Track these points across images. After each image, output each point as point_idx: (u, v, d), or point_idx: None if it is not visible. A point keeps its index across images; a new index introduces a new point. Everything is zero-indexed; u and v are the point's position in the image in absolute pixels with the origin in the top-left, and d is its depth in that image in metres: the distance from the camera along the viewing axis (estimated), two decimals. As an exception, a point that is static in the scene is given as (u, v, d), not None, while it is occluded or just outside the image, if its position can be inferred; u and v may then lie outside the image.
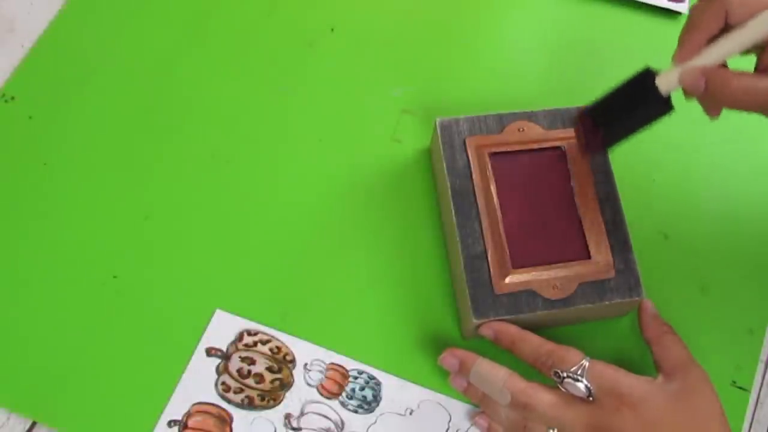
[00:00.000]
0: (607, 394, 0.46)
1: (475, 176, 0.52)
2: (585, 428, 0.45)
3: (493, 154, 0.52)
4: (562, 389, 0.47)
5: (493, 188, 0.52)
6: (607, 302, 0.50)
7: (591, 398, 0.46)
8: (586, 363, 0.46)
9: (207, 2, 0.64)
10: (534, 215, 0.52)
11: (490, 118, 0.54)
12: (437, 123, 0.53)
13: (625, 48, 0.64)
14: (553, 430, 0.46)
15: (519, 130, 0.53)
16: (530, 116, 0.54)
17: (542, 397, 0.47)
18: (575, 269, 0.50)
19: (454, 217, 0.51)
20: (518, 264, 0.50)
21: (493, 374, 0.48)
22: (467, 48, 0.64)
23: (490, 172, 0.52)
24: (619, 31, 0.65)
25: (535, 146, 0.53)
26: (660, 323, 0.51)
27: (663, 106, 0.46)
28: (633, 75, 0.47)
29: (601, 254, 0.51)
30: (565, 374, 0.46)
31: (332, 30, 0.63)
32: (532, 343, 0.49)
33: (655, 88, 0.45)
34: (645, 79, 0.46)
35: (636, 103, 0.47)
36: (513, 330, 0.49)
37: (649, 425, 0.45)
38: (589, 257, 0.51)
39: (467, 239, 0.51)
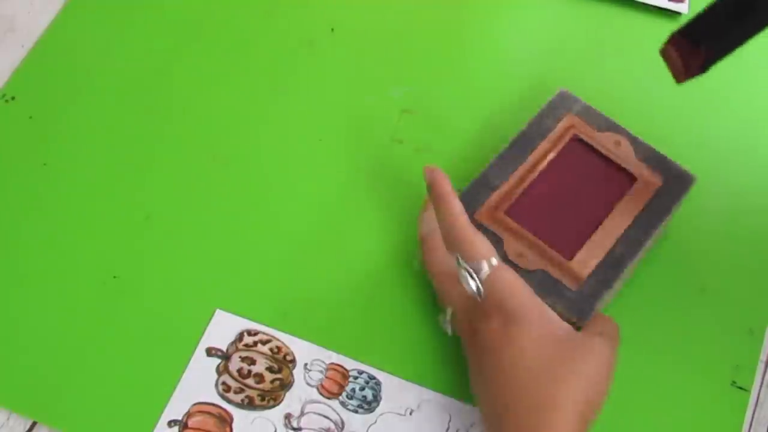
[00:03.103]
0: (494, 303, 0.44)
1: (550, 137, 0.54)
2: (460, 315, 0.46)
3: (576, 139, 0.54)
4: (457, 274, 0.45)
5: (552, 155, 0.53)
6: (551, 304, 0.48)
7: (479, 299, 0.44)
8: (493, 261, 0.44)
9: (207, 2, 0.64)
10: (561, 197, 0.52)
11: (602, 118, 0.55)
12: (561, 90, 0.56)
13: (625, 48, 0.64)
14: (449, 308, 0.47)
15: (615, 142, 0.54)
16: (634, 140, 0.54)
17: (439, 264, 0.47)
18: (551, 257, 0.50)
19: (502, 150, 0.53)
20: (513, 214, 0.51)
21: (427, 220, 0.49)
22: (467, 48, 0.64)
23: (561, 146, 0.53)
24: (619, 31, 0.65)
25: (613, 158, 0.53)
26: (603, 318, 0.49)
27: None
28: None
29: (581, 266, 0.50)
30: (465, 265, 0.44)
31: (332, 30, 0.63)
32: (452, 214, 0.46)
33: None
34: None
35: (740, 12, 0.45)
36: (446, 188, 0.47)
37: (510, 342, 0.43)
38: (570, 259, 0.50)
39: (494, 171, 0.53)
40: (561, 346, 0.43)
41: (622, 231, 0.51)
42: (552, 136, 0.54)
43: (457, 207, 0.47)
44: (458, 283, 0.45)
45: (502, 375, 0.43)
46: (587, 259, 0.51)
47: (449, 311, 0.48)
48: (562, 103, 0.55)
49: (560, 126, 0.55)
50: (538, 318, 0.44)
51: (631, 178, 0.53)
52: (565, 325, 0.45)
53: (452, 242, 0.46)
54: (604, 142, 0.54)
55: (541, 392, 0.41)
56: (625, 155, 0.54)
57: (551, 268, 0.50)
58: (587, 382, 0.42)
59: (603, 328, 0.46)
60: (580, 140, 0.54)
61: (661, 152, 0.54)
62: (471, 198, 0.52)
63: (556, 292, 0.50)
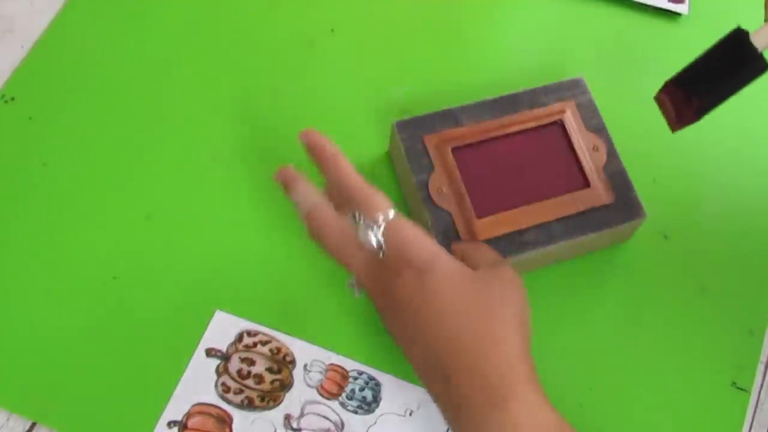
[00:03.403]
0: (396, 255, 0.43)
1: (537, 111, 0.54)
2: (367, 278, 0.44)
3: (559, 124, 0.54)
4: (355, 233, 0.44)
5: (527, 125, 0.53)
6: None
7: (381, 254, 0.43)
8: (390, 214, 0.43)
9: (207, 2, 0.64)
10: (510, 165, 0.53)
11: (597, 119, 0.55)
12: (578, 77, 0.56)
13: (625, 48, 0.64)
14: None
15: (594, 146, 0.54)
16: (612, 153, 0.54)
17: (332, 233, 0.44)
18: (464, 207, 0.51)
19: (487, 98, 0.54)
20: (457, 154, 0.52)
21: (302, 198, 0.46)
22: (467, 48, 0.64)
23: (541, 124, 0.54)
24: (619, 31, 0.65)
25: (580, 157, 0.53)
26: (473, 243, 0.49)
27: (759, 63, 0.46)
28: (722, 38, 0.46)
29: (483, 228, 0.50)
30: (362, 220, 0.43)
31: (332, 30, 0.63)
32: (344, 172, 0.45)
33: (750, 46, 0.45)
34: (738, 38, 0.46)
35: (730, 64, 0.46)
36: (332, 149, 0.46)
37: (429, 293, 0.42)
38: (479, 217, 0.50)
39: (467, 110, 0.54)
40: (475, 282, 0.43)
41: (544, 221, 0.51)
42: (540, 111, 0.54)
43: (347, 164, 0.46)
44: (357, 244, 0.44)
45: (431, 326, 0.42)
46: (494, 225, 0.51)
47: (354, 276, 0.46)
48: (570, 88, 0.55)
49: (553, 106, 0.55)
50: (446, 261, 0.43)
51: (585, 184, 0.53)
52: (459, 262, 0.44)
53: (347, 200, 0.44)
54: (584, 140, 0.54)
55: (478, 331, 0.41)
56: (595, 162, 0.53)
57: (457, 217, 0.51)
58: (513, 306, 0.43)
59: (487, 257, 0.47)
60: (563, 127, 0.54)
61: (630, 179, 0.53)
62: (432, 122, 0.53)
63: (447, 236, 0.50)
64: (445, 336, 0.41)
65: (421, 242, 0.44)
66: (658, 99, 0.50)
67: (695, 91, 0.48)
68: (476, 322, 0.41)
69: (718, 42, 0.47)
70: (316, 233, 0.45)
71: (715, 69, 0.47)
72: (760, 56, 0.46)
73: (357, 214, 0.43)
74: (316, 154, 0.47)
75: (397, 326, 0.44)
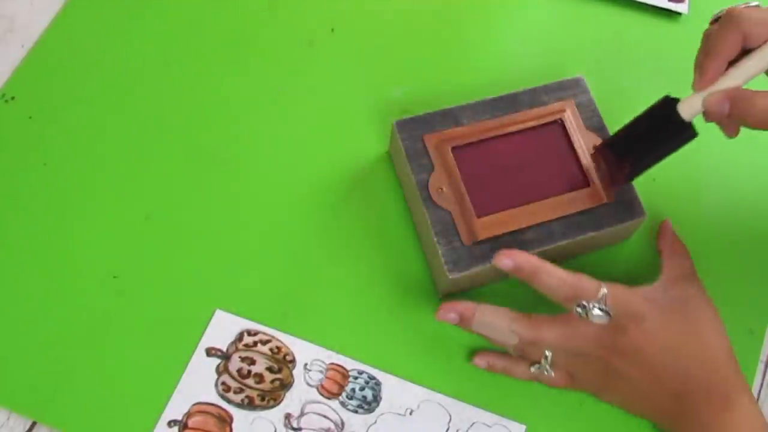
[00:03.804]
0: (621, 316, 0.47)
1: (538, 110, 0.54)
2: (594, 350, 0.48)
3: (559, 123, 0.54)
4: (584, 318, 0.47)
5: (528, 125, 0.54)
6: (435, 243, 0.50)
7: (608, 320, 0.47)
8: (605, 290, 0.47)
9: (207, 2, 0.64)
10: (510, 164, 0.53)
11: (597, 119, 0.55)
12: (578, 77, 0.56)
13: (625, 48, 0.64)
14: (549, 351, 0.48)
15: (594, 146, 0.54)
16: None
17: (549, 332, 0.48)
18: (464, 205, 0.51)
19: (488, 98, 0.55)
20: (457, 153, 0.52)
21: (499, 319, 0.49)
22: (467, 47, 0.64)
23: (541, 123, 0.54)
24: (619, 31, 0.65)
25: (580, 157, 0.53)
26: (675, 237, 0.54)
27: (687, 132, 0.46)
28: (652, 105, 0.47)
29: (483, 227, 0.51)
30: (591, 305, 0.47)
31: (332, 30, 0.63)
32: (555, 274, 0.48)
33: (677, 115, 0.46)
34: (666, 106, 0.46)
35: (659, 131, 0.47)
36: (534, 260, 0.48)
37: (648, 336, 0.47)
38: (479, 217, 0.51)
39: (467, 110, 0.54)
40: (676, 317, 0.48)
41: (543, 221, 0.51)
42: (540, 110, 0.54)
43: (552, 266, 0.48)
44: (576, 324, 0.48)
45: (653, 367, 0.47)
46: (494, 225, 0.51)
47: (549, 354, 0.49)
48: (570, 88, 0.55)
49: (553, 105, 0.55)
50: (647, 303, 0.48)
51: (585, 183, 0.53)
52: (651, 290, 0.49)
53: (570, 297, 0.48)
54: (584, 140, 0.54)
55: (696, 350, 0.48)
56: (595, 161, 0.53)
57: (457, 216, 0.51)
58: (710, 324, 0.49)
59: (678, 262, 0.52)
60: (562, 126, 0.54)
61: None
62: (432, 121, 0.53)
63: (447, 236, 0.50)
64: (669, 371, 0.47)
65: (629, 295, 0.48)
66: (594, 157, 0.51)
67: (625, 156, 0.48)
68: (687, 353, 0.48)
69: (648, 109, 0.47)
70: (532, 337, 0.49)
71: (646, 136, 0.48)
72: (689, 125, 0.46)
73: (585, 303, 0.47)
74: (526, 270, 0.48)
75: (626, 375, 0.48)
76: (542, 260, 0.48)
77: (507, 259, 0.48)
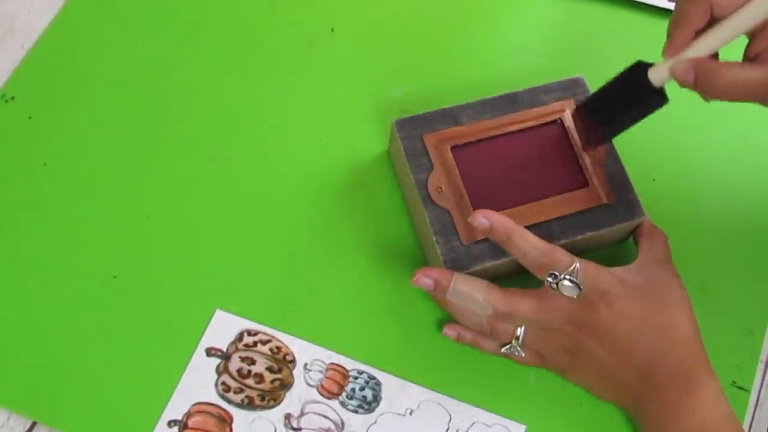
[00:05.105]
0: (591, 292, 0.48)
1: (537, 110, 0.54)
2: (564, 325, 0.48)
3: (558, 123, 0.54)
4: (554, 289, 0.47)
5: (527, 124, 0.54)
6: (434, 241, 0.50)
7: (577, 295, 0.47)
8: (578, 264, 0.47)
9: (207, 2, 0.64)
10: (510, 164, 0.53)
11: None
12: (578, 76, 0.56)
13: (625, 48, 0.64)
14: (521, 327, 0.49)
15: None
16: (612, 153, 0.54)
17: (522, 304, 0.48)
18: (462, 205, 0.51)
19: (487, 97, 0.54)
20: (456, 153, 0.52)
21: (474, 289, 0.49)
22: (467, 48, 0.64)
23: (541, 122, 0.54)
24: (619, 31, 0.65)
25: (580, 156, 0.53)
26: (652, 225, 0.53)
27: (657, 97, 0.46)
28: (625, 68, 0.47)
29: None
30: (562, 276, 0.47)
31: (332, 30, 0.63)
32: (530, 239, 0.48)
33: (647, 81, 0.46)
34: (637, 72, 0.47)
35: (631, 96, 0.47)
36: (510, 222, 0.48)
37: (617, 315, 0.47)
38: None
39: (467, 109, 0.54)
40: (646, 298, 0.49)
41: (542, 220, 0.51)
42: (539, 109, 0.54)
43: (528, 232, 0.48)
44: (549, 296, 0.48)
45: (621, 347, 0.48)
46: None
47: (521, 329, 0.49)
48: (570, 88, 0.55)
49: (553, 105, 0.54)
50: (618, 283, 0.48)
51: (584, 183, 0.53)
52: (624, 270, 0.50)
53: (544, 266, 0.47)
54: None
55: (662, 340, 0.48)
56: (594, 161, 0.53)
57: (456, 215, 0.51)
58: (681, 308, 0.49)
59: (656, 246, 0.52)
60: (562, 126, 0.54)
61: (629, 178, 0.53)
62: (432, 120, 0.53)
63: (446, 235, 0.50)
64: (639, 351, 0.48)
65: (604, 273, 0.48)
66: (573, 118, 0.51)
67: (600, 119, 0.49)
68: (657, 332, 0.48)
69: (620, 73, 0.48)
70: (506, 309, 0.49)
71: (617, 99, 0.48)
72: (659, 90, 0.46)
73: (557, 273, 0.47)
74: (500, 232, 0.48)
75: (594, 353, 0.48)
76: (518, 225, 0.48)
77: (483, 219, 0.48)
